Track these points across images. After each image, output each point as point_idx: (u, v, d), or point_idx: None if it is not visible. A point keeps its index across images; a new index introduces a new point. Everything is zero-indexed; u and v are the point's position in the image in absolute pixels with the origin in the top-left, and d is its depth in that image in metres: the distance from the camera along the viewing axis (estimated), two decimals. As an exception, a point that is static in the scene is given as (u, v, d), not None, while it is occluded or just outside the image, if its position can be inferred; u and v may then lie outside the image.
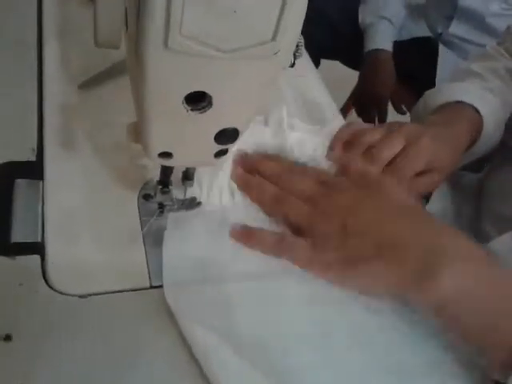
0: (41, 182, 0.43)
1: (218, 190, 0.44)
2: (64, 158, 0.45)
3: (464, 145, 0.55)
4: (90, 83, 0.52)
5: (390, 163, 0.47)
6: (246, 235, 0.41)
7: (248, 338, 0.36)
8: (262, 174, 0.45)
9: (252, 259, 0.40)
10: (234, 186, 0.45)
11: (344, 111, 1.36)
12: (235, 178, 0.45)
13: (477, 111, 0.56)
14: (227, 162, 0.44)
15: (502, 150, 0.63)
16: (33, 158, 0.44)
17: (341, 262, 0.38)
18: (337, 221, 0.40)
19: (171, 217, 0.42)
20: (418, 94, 0.65)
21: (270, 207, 0.43)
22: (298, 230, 0.42)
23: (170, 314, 0.36)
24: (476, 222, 0.62)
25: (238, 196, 0.44)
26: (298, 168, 0.46)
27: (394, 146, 0.48)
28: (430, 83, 0.98)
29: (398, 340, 0.38)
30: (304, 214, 0.41)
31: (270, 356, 0.35)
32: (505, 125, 0.62)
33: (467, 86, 0.61)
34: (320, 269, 0.39)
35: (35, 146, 0.45)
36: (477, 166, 0.82)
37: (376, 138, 0.48)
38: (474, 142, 0.58)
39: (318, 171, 0.46)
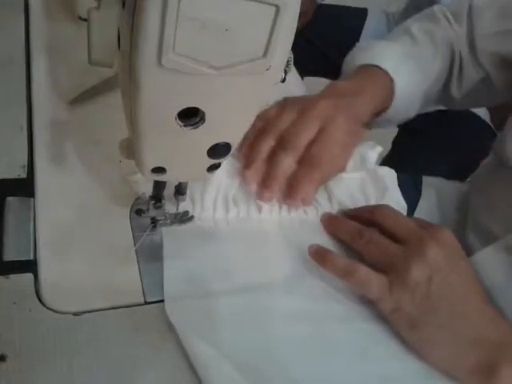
0: (32, 200, 0.42)
1: (212, 204, 0.44)
2: (55, 174, 0.45)
3: (364, 118, 0.54)
4: (80, 99, 0.52)
5: (307, 147, 0.47)
6: (319, 255, 0.42)
7: (247, 352, 0.36)
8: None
9: (251, 272, 0.41)
10: (229, 200, 0.45)
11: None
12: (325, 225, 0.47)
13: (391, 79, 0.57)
14: (218, 175, 0.45)
15: (489, 165, 0.63)
16: (24, 175, 0.44)
17: (408, 325, 0.39)
18: (425, 271, 0.39)
19: (166, 231, 0.42)
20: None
21: (352, 239, 0.44)
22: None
23: (166, 330, 0.36)
24: (460, 233, 0.62)
25: (233, 210, 0.45)
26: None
27: (310, 131, 0.47)
28: None
29: (395, 350, 0.39)
30: (391, 254, 0.41)
31: (268, 370, 0.35)
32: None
33: (392, 48, 0.60)
34: (387, 311, 0.40)
35: (26, 163, 0.45)
36: (461, 173, 0.84)
37: (288, 122, 0.48)
38: (383, 110, 0.58)
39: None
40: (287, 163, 0.46)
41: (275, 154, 0.46)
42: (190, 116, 0.31)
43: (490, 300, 0.41)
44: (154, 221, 0.42)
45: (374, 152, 0.51)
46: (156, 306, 0.38)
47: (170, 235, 0.42)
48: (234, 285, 0.40)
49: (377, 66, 0.57)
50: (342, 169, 0.49)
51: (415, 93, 0.61)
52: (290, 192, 0.46)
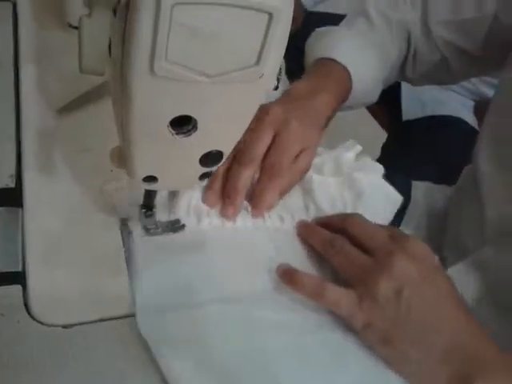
0: (20, 210, 0.42)
1: (184, 213, 0.44)
2: (43, 184, 0.44)
3: (324, 117, 0.53)
4: (69, 108, 0.51)
5: (264, 156, 0.46)
6: (288, 276, 0.41)
7: (224, 363, 0.35)
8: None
9: (227, 283, 0.40)
10: (201, 209, 0.44)
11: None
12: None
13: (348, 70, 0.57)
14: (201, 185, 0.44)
15: (468, 174, 0.63)
16: (11, 185, 0.43)
17: (380, 340, 0.38)
18: (393, 285, 0.38)
19: (136, 242, 0.41)
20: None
21: (323, 249, 0.43)
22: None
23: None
24: (439, 249, 0.62)
25: (216, 219, 0.44)
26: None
27: (264, 139, 0.46)
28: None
29: (375, 361, 0.38)
30: (360, 266, 0.40)
31: (247, 382, 0.35)
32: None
33: (348, 38, 0.60)
34: (359, 327, 0.38)
35: (14, 173, 0.44)
36: (450, 179, 0.84)
37: None
38: (342, 101, 0.58)
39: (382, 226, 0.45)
40: (246, 176, 0.44)
41: (233, 168, 0.45)
42: (183, 124, 0.31)
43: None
44: (144, 230, 0.41)
45: (350, 153, 0.49)
46: (148, 316, 0.37)
47: (139, 245, 0.41)
48: (209, 296, 0.39)
49: (334, 60, 0.57)
50: (306, 171, 0.48)
51: (374, 80, 0.61)
52: (254, 203, 0.45)
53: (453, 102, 1.01)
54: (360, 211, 0.47)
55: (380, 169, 0.50)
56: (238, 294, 0.40)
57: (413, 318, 0.37)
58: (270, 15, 0.26)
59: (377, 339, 0.38)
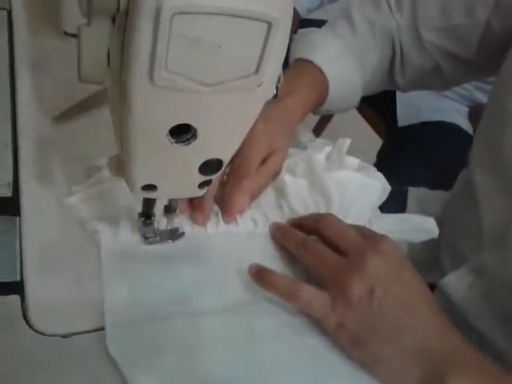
0: (17, 219, 0.41)
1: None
2: (40, 192, 0.44)
3: (295, 119, 0.53)
4: (65, 116, 0.51)
5: (231, 160, 0.45)
6: (260, 276, 0.40)
7: (191, 380, 0.35)
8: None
9: (199, 294, 0.39)
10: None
11: (316, 131, 1.39)
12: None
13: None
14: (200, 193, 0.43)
15: (463, 179, 0.63)
16: (8, 194, 0.43)
17: (352, 341, 0.38)
18: (366, 285, 0.38)
19: (105, 253, 0.40)
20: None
21: (296, 250, 0.43)
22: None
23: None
24: (436, 255, 0.62)
25: (187, 227, 0.43)
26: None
27: None
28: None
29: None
30: (333, 266, 0.40)
31: None
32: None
33: (328, 40, 0.59)
34: (332, 329, 0.38)
35: (11, 181, 0.44)
36: (445, 185, 0.84)
37: None
38: (316, 104, 0.57)
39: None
40: (213, 181, 0.44)
41: None
42: (182, 133, 0.31)
43: (461, 321, 0.40)
44: (143, 238, 0.41)
45: (322, 153, 0.49)
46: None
47: (110, 257, 0.40)
48: (178, 309, 0.38)
49: (311, 61, 0.56)
50: (276, 173, 0.48)
51: (352, 86, 0.60)
52: (224, 208, 0.45)
53: (447, 108, 1.01)
54: (335, 210, 0.46)
55: (354, 163, 0.49)
56: (209, 306, 0.39)
57: (385, 318, 0.37)
58: (269, 25, 0.26)
59: (349, 340, 0.38)
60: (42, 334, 0.35)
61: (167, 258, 0.41)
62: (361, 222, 0.48)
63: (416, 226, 0.49)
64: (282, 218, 0.47)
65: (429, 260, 0.63)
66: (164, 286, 0.39)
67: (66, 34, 0.59)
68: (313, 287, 0.39)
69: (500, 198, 0.51)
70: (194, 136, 0.31)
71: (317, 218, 0.45)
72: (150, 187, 0.35)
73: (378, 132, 1.21)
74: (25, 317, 0.36)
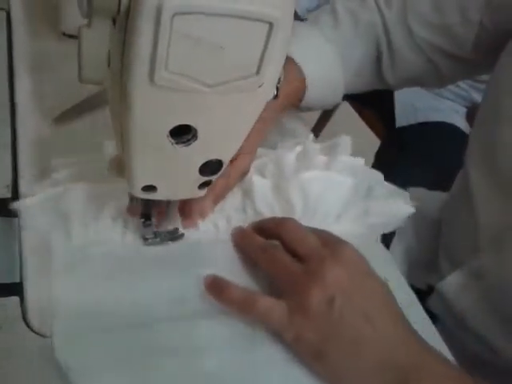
0: (17, 220, 0.41)
1: (111, 226, 0.41)
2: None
3: (265, 119, 0.49)
4: (64, 117, 0.51)
5: None
6: (215, 289, 0.38)
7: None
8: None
9: (154, 304, 0.38)
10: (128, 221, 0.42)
11: (316, 131, 1.38)
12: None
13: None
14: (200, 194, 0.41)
15: (459, 179, 0.63)
16: (8, 195, 0.43)
17: (312, 353, 0.36)
18: (325, 294, 0.36)
19: (55, 260, 0.39)
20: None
21: (256, 256, 0.41)
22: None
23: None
24: (434, 256, 0.62)
25: (129, 233, 0.42)
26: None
27: None
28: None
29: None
30: (292, 274, 0.38)
31: None
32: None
33: (309, 34, 0.57)
34: (290, 341, 0.36)
35: (10, 183, 0.44)
36: (444, 186, 0.85)
37: None
38: (294, 101, 0.55)
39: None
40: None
41: None
42: (182, 133, 0.31)
43: (460, 322, 0.39)
44: (143, 239, 0.41)
45: (292, 153, 0.47)
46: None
47: (58, 262, 0.39)
48: (128, 320, 0.37)
49: (289, 57, 0.53)
50: (243, 174, 0.46)
51: (333, 83, 0.58)
52: (184, 212, 0.43)
53: (446, 108, 1.02)
54: (298, 214, 0.45)
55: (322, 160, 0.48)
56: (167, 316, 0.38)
57: (345, 329, 0.35)
58: (270, 25, 0.26)
59: (309, 353, 0.36)
60: (41, 335, 0.35)
61: (119, 264, 0.40)
62: (329, 221, 0.47)
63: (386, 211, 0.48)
64: (245, 220, 0.45)
65: (427, 261, 0.63)
66: (115, 294, 0.38)
67: (64, 34, 0.59)
68: (270, 298, 0.37)
69: (495, 199, 0.51)
70: (195, 137, 0.31)
71: (278, 222, 0.43)
72: (149, 188, 0.35)
73: (376, 132, 1.21)
74: (24, 318, 0.36)
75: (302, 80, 0.55)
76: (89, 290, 0.38)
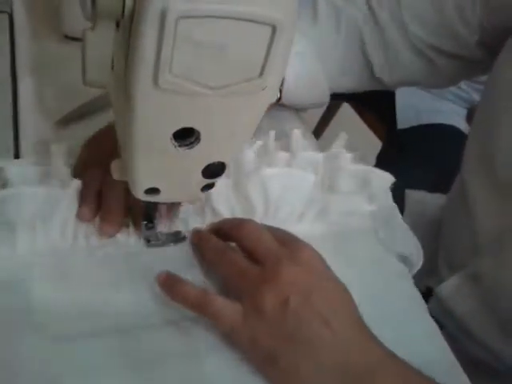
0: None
1: (59, 231, 0.40)
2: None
3: None
4: (67, 120, 0.51)
5: None
6: (168, 286, 0.37)
7: None
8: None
9: (102, 314, 0.37)
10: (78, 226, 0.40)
11: (317, 132, 1.39)
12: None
13: None
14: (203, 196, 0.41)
15: (457, 183, 0.62)
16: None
17: (265, 357, 0.35)
18: (280, 295, 0.35)
19: None
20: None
21: (212, 258, 0.40)
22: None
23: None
24: (433, 259, 0.61)
25: (94, 239, 0.41)
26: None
27: None
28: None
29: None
30: (248, 276, 0.36)
31: None
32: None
33: None
34: (243, 345, 0.35)
35: (12, 185, 0.44)
36: (445, 188, 0.85)
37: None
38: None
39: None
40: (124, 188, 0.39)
41: (109, 180, 0.39)
42: (185, 136, 0.31)
43: (459, 325, 0.38)
44: (146, 241, 0.41)
45: (250, 150, 0.46)
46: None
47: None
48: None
49: None
50: None
51: (313, 81, 0.55)
52: (104, 217, 0.40)
53: (447, 110, 1.02)
54: (259, 214, 0.44)
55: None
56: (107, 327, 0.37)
57: (301, 331, 0.34)
58: (274, 28, 0.26)
59: (262, 358, 0.35)
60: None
61: (66, 270, 0.39)
62: (292, 219, 0.46)
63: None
64: (203, 220, 0.44)
65: (427, 264, 0.63)
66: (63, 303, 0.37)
67: (67, 37, 0.59)
68: (226, 299, 0.36)
69: (493, 201, 0.50)
70: (198, 139, 0.31)
71: (236, 223, 0.41)
72: (152, 190, 0.35)
73: (377, 134, 1.21)
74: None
75: None
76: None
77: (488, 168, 0.52)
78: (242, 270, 0.37)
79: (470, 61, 0.57)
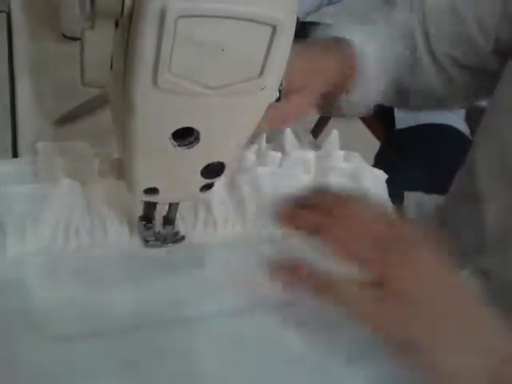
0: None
1: (50, 232, 0.39)
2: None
3: (332, 78, 0.48)
4: (64, 119, 0.51)
5: None
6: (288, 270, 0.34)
7: None
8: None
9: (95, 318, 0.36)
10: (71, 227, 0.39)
11: (315, 133, 1.38)
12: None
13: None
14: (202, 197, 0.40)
15: (458, 182, 0.62)
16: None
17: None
18: (404, 282, 0.34)
19: None
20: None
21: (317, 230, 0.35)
22: None
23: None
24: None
25: (86, 239, 0.40)
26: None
27: None
28: None
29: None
30: (374, 261, 0.34)
31: None
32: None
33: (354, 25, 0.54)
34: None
35: (10, 185, 0.44)
36: (444, 188, 0.85)
37: None
38: (339, 87, 0.51)
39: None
40: None
41: None
42: (185, 136, 0.31)
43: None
44: (144, 241, 0.41)
45: (250, 152, 0.46)
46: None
47: None
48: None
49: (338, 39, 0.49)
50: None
51: (382, 73, 0.54)
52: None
53: (445, 110, 1.02)
54: (249, 213, 0.44)
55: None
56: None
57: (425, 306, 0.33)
58: (274, 28, 0.26)
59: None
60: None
61: (60, 272, 0.38)
62: None
63: None
64: (195, 219, 0.43)
65: None
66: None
67: (65, 36, 0.59)
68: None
69: (504, 198, 0.51)
70: (197, 139, 0.31)
71: (340, 199, 0.36)
72: (151, 190, 0.35)
73: (375, 134, 1.21)
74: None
75: (354, 65, 0.50)
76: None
77: (499, 164, 0.51)
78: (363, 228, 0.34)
79: (484, 72, 0.57)
